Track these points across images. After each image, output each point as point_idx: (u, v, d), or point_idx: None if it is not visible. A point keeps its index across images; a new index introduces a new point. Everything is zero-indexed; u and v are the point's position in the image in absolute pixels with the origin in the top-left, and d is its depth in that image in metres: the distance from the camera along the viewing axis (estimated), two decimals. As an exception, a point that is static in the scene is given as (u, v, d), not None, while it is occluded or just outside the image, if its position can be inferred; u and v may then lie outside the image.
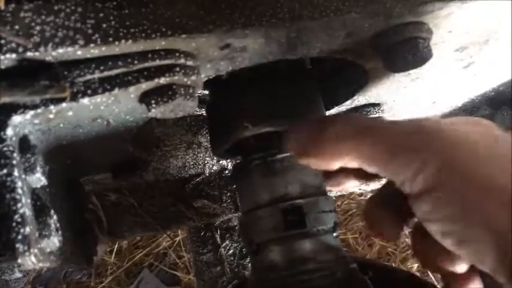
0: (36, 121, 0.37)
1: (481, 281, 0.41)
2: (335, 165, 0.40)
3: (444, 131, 0.37)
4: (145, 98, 0.39)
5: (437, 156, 0.35)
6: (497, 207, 0.33)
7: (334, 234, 0.50)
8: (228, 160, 0.81)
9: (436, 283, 1.89)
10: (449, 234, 0.36)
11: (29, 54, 0.32)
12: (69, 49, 0.33)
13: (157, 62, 0.37)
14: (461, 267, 0.40)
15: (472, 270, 0.41)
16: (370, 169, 0.38)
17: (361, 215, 2.07)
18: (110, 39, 0.34)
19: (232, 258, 0.96)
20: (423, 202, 0.36)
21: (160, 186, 0.78)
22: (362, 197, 2.10)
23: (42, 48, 0.32)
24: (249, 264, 0.95)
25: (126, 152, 0.58)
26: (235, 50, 0.40)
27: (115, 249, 2.06)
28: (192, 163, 0.76)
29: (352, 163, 0.39)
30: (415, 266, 1.93)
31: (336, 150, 0.39)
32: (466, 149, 0.36)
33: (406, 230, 0.44)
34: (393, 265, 1.90)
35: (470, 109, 0.80)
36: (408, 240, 1.98)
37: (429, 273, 1.91)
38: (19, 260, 0.33)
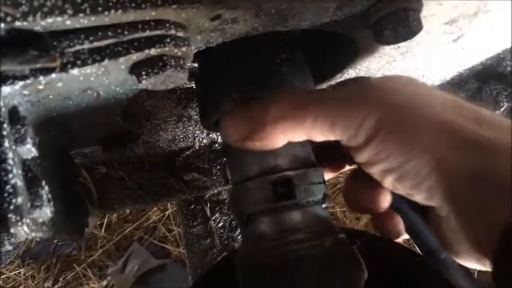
0: (26, 92, 0.37)
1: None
2: (280, 144, 0.43)
3: (377, 86, 0.40)
4: (135, 70, 0.39)
5: (375, 108, 0.38)
6: (433, 136, 0.36)
7: (324, 205, 0.51)
8: (218, 133, 0.81)
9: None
10: (390, 171, 0.39)
11: (18, 23, 0.32)
12: (58, 19, 0.33)
13: (148, 33, 0.36)
14: (384, 206, 0.47)
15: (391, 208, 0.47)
16: (316, 139, 0.41)
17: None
18: (100, 9, 0.33)
19: (222, 230, 0.98)
20: (366, 150, 0.39)
21: (150, 159, 0.78)
22: (350, 171, 2.12)
23: (30, 18, 0.32)
24: (239, 237, 0.97)
25: (116, 124, 0.58)
26: (225, 21, 0.40)
27: (105, 223, 2.08)
28: (182, 136, 0.76)
29: (298, 138, 0.42)
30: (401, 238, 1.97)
31: (280, 130, 0.41)
32: (400, 95, 0.39)
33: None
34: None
35: (458, 83, 0.80)
36: (395, 213, 2.01)
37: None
38: (12, 230, 0.33)
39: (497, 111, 0.75)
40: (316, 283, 0.47)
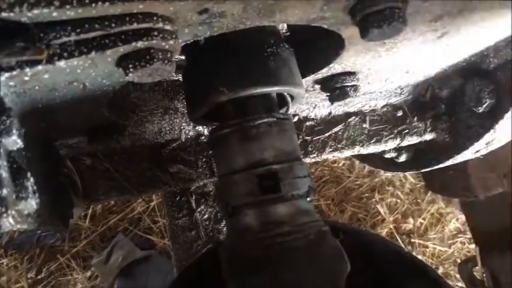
0: (12, 83, 0.37)
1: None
2: None
3: None
4: (122, 62, 0.39)
5: None
6: None
7: (308, 198, 0.52)
8: (205, 126, 0.81)
9: (403, 246, 1.95)
10: None
11: (4, 14, 0.31)
12: (45, 10, 0.32)
13: (135, 26, 0.36)
14: None
15: None
16: None
17: (334, 182, 2.11)
18: (87, 1, 0.33)
19: (207, 222, 0.98)
20: None
21: (136, 151, 0.78)
22: (335, 164, 2.13)
23: (17, 9, 0.32)
24: (224, 229, 0.97)
25: (102, 116, 0.57)
26: (213, 15, 0.40)
27: (89, 214, 2.06)
28: (168, 128, 0.76)
29: None
30: (384, 231, 1.99)
31: None
32: None
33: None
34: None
35: (442, 79, 0.81)
36: (379, 207, 2.03)
37: (398, 238, 1.98)
38: (-3, 222, 0.33)
39: (480, 108, 0.76)
40: (300, 275, 0.48)
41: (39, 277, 2.01)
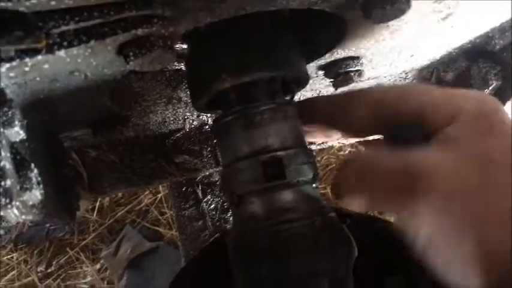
0: (12, 74, 0.37)
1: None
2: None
3: (436, 169, 0.36)
4: (123, 50, 0.38)
5: (430, 201, 0.36)
6: (493, 229, 0.34)
7: (314, 185, 0.51)
8: (208, 115, 0.81)
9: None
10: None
11: (2, 4, 0.31)
12: (43, -1, 0.32)
13: (134, 13, 0.36)
14: None
15: None
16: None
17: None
18: (85, -12, 0.33)
19: (214, 212, 0.98)
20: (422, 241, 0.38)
21: (140, 142, 0.78)
22: (341, 152, 2.13)
23: None
24: (231, 218, 0.97)
25: (105, 107, 0.57)
26: (214, 0, 0.40)
27: (97, 207, 2.08)
28: (172, 118, 0.76)
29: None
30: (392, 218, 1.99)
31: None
32: (457, 185, 0.35)
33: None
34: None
35: (447, 62, 0.81)
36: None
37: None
38: (1, 213, 0.33)
39: (486, 90, 0.75)
40: (308, 262, 0.48)
41: (49, 270, 2.03)
